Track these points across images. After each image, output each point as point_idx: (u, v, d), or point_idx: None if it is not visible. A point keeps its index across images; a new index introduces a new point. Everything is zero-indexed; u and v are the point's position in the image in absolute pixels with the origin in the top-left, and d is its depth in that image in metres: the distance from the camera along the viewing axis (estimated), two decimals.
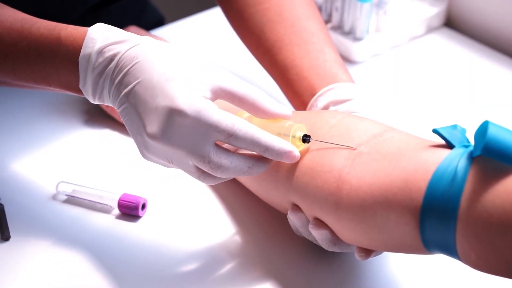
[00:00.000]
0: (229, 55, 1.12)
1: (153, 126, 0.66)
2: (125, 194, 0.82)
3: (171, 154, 0.67)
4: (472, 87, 1.05)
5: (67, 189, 0.84)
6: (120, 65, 0.68)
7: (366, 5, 1.05)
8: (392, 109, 1.01)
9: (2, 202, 0.82)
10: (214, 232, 0.81)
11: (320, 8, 1.13)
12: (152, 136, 0.66)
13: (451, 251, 0.61)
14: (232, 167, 0.67)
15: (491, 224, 0.57)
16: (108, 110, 0.95)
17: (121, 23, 0.94)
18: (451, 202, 0.59)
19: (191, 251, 0.78)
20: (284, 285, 0.75)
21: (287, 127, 0.69)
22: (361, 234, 0.67)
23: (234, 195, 0.85)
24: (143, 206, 0.82)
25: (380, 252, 0.70)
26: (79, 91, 0.71)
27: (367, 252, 0.68)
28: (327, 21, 1.13)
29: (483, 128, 0.58)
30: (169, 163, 0.68)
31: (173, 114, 0.65)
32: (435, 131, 0.64)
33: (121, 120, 0.94)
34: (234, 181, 0.85)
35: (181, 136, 0.65)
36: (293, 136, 0.69)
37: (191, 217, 0.83)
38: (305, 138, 0.70)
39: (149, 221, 0.82)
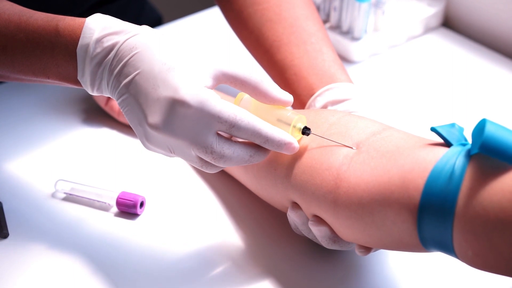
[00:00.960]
0: (227, 55, 1.12)
1: (155, 116, 0.65)
2: (123, 192, 0.83)
3: (173, 144, 0.67)
4: (469, 87, 1.05)
5: (66, 187, 0.84)
6: (119, 55, 0.67)
7: (364, 5, 1.06)
8: (390, 109, 1.01)
9: (0, 200, 0.82)
10: (213, 230, 0.81)
11: (318, 8, 1.13)
12: (154, 127, 0.66)
13: (448, 248, 0.61)
14: (234, 156, 0.67)
15: (488, 221, 0.57)
16: (107, 109, 0.95)
17: None
18: (449, 200, 0.59)
19: (189, 249, 0.79)
20: (283, 284, 0.75)
21: (289, 116, 0.69)
22: (359, 232, 0.67)
23: (232, 193, 0.85)
24: (142, 204, 0.83)
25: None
26: (77, 82, 0.71)
27: (367, 248, 0.69)
28: (325, 20, 1.13)
29: (481, 126, 0.59)
30: (171, 153, 0.68)
31: (176, 105, 0.65)
32: (433, 129, 0.64)
33: (120, 118, 0.94)
34: (233, 179, 0.86)
35: (183, 127, 0.65)
36: (294, 126, 0.69)
37: (189, 215, 0.83)
38: (305, 131, 0.70)
39: (148, 219, 0.82)
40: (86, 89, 0.71)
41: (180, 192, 0.86)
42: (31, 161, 0.90)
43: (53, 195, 0.85)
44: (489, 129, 0.58)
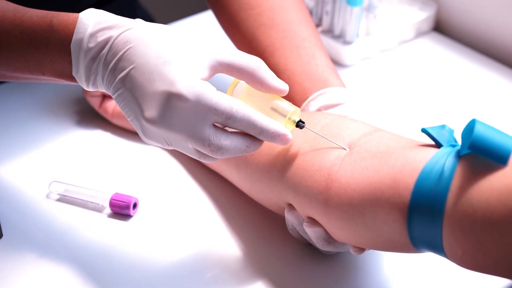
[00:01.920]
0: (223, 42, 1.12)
1: (151, 110, 0.65)
2: (116, 194, 0.83)
3: (170, 138, 0.67)
4: (460, 90, 1.06)
5: (60, 188, 0.84)
6: (113, 50, 0.67)
7: (356, 9, 1.06)
8: (381, 112, 1.02)
9: None
10: (206, 231, 0.81)
11: (310, 12, 1.13)
12: (151, 121, 0.65)
13: (437, 248, 0.62)
14: (231, 147, 0.67)
15: (477, 220, 0.58)
16: (100, 111, 0.96)
17: None
18: (438, 199, 0.60)
19: (182, 251, 0.79)
20: (278, 285, 0.75)
21: (284, 108, 0.69)
22: (350, 232, 0.67)
23: (226, 195, 0.85)
24: (135, 206, 0.83)
25: None
26: (73, 78, 0.71)
27: (361, 248, 0.69)
28: (318, 24, 1.14)
29: (471, 127, 0.60)
30: (168, 145, 0.68)
31: (172, 98, 0.64)
32: (424, 130, 0.65)
33: (113, 120, 0.95)
34: (226, 181, 0.86)
35: (180, 120, 0.65)
36: (289, 118, 0.69)
37: (182, 217, 0.83)
38: (299, 124, 0.70)
39: (140, 220, 0.83)
40: (81, 85, 0.70)
41: (173, 193, 0.87)
42: (25, 162, 0.90)
43: (47, 196, 0.85)
44: (478, 129, 0.59)
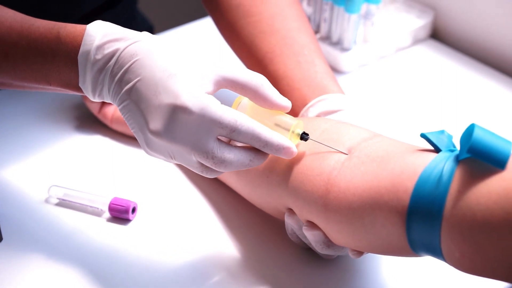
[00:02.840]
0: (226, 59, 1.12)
1: (156, 123, 0.66)
2: (115, 198, 0.83)
3: (174, 150, 0.67)
4: (456, 97, 1.07)
5: (59, 193, 0.85)
6: (120, 62, 0.68)
7: (354, 16, 1.07)
8: (379, 118, 1.02)
9: None
10: (204, 236, 0.82)
11: (309, 19, 1.14)
12: (155, 133, 0.66)
13: (436, 251, 0.62)
14: (235, 161, 0.68)
15: (475, 224, 0.58)
16: (100, 116, 0.96)
17: None
18: (437, 202, 0.60)
19: (180, 255, 0.79)
20: None
21: (287, 122, 0.70)
22: (349, 236, 0.68)
23: (225, 200, 0.86)
24: (133, 210, 0.83)
25: None
26: (79, 89, 0.71)
27: (360, 251, 0.69)
28: (316, 31, 1.14)
29: (469, 131, 0.60)
30: (171, 158, 0.69)
31: (177, 111, 0.65)
32: (422, 135, 0.65)
33: (113, 126, 0.95)
34: (226, 186, 0.86)
35: (184, 133, 0.66)
36: (293, 132, 0.70)
37: (181, 221, 0.84)
38: (304, 136, 0.71)
39: (139, 224, 0.83)
40: (87, 96, 0.71)
41: (172, 198, 0.87)
42: (25, 167, 0.91)
43: (46, 201, 0.85)
44: (477, 133, 0.59)
